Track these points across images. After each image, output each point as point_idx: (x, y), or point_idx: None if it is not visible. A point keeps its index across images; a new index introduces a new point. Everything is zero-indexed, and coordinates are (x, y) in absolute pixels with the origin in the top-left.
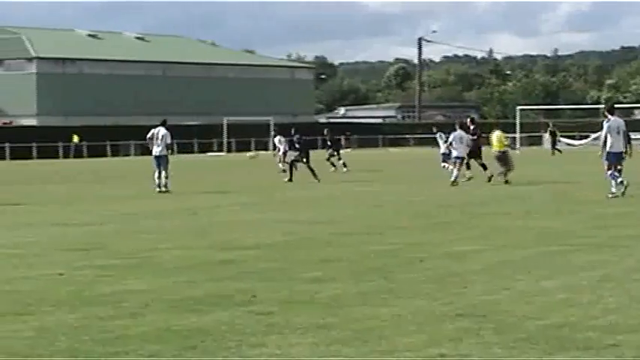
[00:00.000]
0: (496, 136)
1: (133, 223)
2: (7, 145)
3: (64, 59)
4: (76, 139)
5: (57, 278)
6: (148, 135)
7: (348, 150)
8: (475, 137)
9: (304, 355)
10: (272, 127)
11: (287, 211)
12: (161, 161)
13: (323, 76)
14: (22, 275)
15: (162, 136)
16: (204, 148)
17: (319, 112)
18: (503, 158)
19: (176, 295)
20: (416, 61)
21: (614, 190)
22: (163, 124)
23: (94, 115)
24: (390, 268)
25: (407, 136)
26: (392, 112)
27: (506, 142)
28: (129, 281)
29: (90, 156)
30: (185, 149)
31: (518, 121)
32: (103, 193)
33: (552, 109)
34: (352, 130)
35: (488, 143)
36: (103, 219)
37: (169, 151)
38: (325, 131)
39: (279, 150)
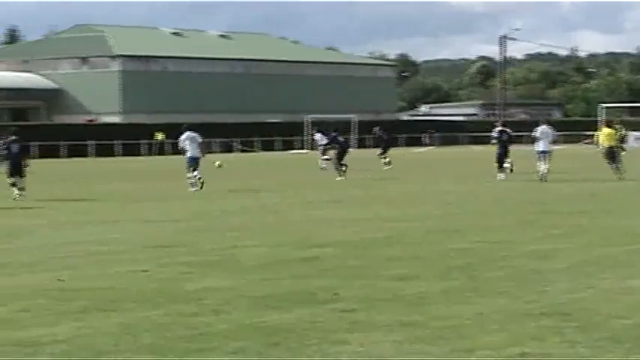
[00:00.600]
0: (605, 132)
1: (214, 221)
2: (91, 142)
3: (147, 57)
4: (160, 136)
5: (141, 275)
6: (180, 145)
7: (431, 147)
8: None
9: (387, 353)
10: (354, 125)
11: (367, 208)
12: (197, 162)
13: (405, 74)
14: (107, 272)
15: (194, 137)
16: (287, 146)
17: (401, 110)
18: (610, 155)
19: (258, 292)
20: (499, 58)
21: None
22: (190, 128)
23: (178, 113)
24: (474, 267)
25: (489, 134)
26: (474, 110)
27: (616, 138)
28: (211, 278)
29: (173, 153)
30: (267, 147)
31: (601, 119)
32: (185, 190)
33: (636, 106)
34: (435, 128)
35: (592, 141)
36: (184, 216)
37: (202, 152)
38: (373, 129)
39: (318, 146)
